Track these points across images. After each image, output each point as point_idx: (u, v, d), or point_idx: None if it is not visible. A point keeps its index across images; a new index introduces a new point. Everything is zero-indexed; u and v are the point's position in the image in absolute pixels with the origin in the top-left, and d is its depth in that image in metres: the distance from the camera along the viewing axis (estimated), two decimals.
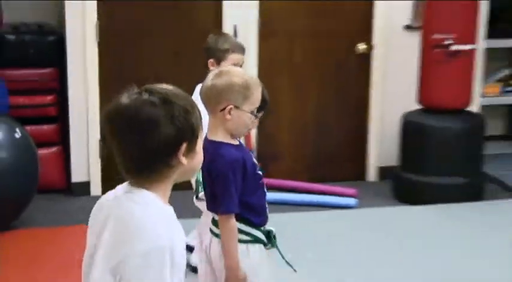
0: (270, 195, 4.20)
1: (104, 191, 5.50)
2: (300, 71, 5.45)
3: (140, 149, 1.96)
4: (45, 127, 5.89)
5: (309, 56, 5.98)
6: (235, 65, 4.15)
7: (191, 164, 2.03)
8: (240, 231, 3.07)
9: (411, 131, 6.04)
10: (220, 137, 3.02)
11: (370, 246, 5.00)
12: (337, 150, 6.34)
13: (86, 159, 5.96)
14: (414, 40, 6.10)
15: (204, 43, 4.51)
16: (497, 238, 5.39)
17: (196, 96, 3.93)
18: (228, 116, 2.98)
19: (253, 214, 3.10)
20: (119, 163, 2.00)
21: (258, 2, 6.01)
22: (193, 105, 2.02)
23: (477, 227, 5.60)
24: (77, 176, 5.99)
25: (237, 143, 3.08)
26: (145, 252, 1.90)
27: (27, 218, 5.27)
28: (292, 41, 6.03)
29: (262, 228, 3.16)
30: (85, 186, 5.99)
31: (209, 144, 2.94)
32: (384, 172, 6.45)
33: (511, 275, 4.97)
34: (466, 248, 5.18)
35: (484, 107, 6.68)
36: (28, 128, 5.29)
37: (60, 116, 5.93)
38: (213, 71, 3.13)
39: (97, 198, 5.89)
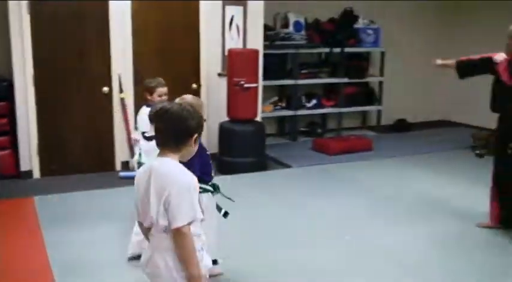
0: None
1: (41, 175, 5.68)
2: None
3: (175, 131, 2.20)
4: (2, 138, 5.84)
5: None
6: (161, 94, 4.39)
7: (193, 148, 2.27)
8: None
9: (225, 132, 6.28)
10: None
11: None
12: None
13: (28, 156, 5.91)
14: (223, 81, 6.43)
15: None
16: (275, 190, 5.68)
17: (140, 112, 4.36)
18: None
19: (205, 176, 3.26)
20: (158, 140, 2.23)
21: (132, 59, 6.10)
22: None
23: (264, 184, 5.88)
24: (23, 167, 5.93)
25: None
26: (179, 183, 2.14)
27: None
28: None
29: (210, 183, 3.34)
30: (29, 173, 5.94)
31: None
32: (212, 156, 6.45)
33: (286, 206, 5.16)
34: (261, 198, 5.37)
35: (264, 118, 7.14)
36: None
37: (11, 131, 5.91)
38: (177, 99, 3.28)
39: (38, 180, 6.16)
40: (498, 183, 4.53)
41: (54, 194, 5.37)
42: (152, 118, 2.25)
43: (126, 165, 6.20)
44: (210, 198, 3.36)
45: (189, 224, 2.13)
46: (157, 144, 2.24)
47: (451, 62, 4.79)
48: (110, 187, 5.55)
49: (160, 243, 2.20)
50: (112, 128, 6.14)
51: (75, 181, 5.80)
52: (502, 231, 4.50)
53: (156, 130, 2.23)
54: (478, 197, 4.90)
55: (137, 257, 3.65)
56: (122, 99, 6.06)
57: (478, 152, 7.10)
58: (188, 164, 2.93)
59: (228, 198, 3.42)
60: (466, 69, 4.69)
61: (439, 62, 4.86)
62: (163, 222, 2.15)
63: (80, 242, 4.25)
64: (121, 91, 6.05)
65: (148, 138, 3.81)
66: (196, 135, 2.24)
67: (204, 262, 2.26)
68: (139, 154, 4.04)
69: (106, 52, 5.98)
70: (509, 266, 3.95)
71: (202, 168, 3.20)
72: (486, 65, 4.48)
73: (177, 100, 3.29)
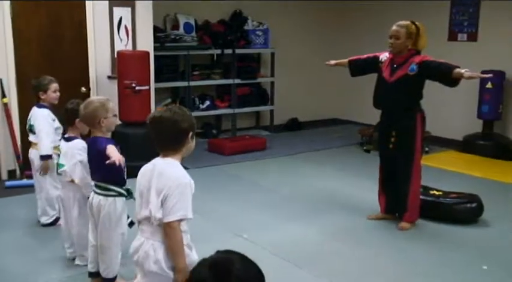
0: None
1: None
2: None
3: (171, 134, 2.42)
4: None
5: None
6: (55, 90, 4.47)
7: (192, 144, 2.50)
8: (111, 189, 3.24)
9: (118, 135, 5.71)
10: (99, 134, 3.23)
11: None
12: None
13: None
14: (114, 84, 6.32)
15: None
16: None
17: (33, 114, 4.47)
18: (103, 124, 3.21)
19: (119, 177, 3.24)
20: (157, 145, 2.46)
21: (14, 62, 5.82)
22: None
23: None
24: None
25: (109, 136, 3.29)
26: (179, 183, 2.36)
27: None
28: None
29: (124, 187, 3.29)
30: None
31: (93, 139, 3.26)
32: None
33: None
34: None
35: None
36: None
37: None
38: (82, 104, 3.30)
39: None
40: (382, 174, 4.82)
41: None
42: (148, 127, 2.46)
43: (13, 174, 5.90)
44: (123, 202, 3.32)
45: (180, 220, 2.36)
46: (158, 148, 2.47)
47: (344, 61, 5.04)
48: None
49: (153, 235, 2.44)
50: None
51: None
52: (389, 220, 4.79)
53: (154, 136, 2.44)
54: (368, 190, 5.16)
55: None
56: (6, 105, 5.77)
57: (365, 147, 7.50)
58: (101, 164, 3.07)
59: None
60: (357, 67, 4.96)
61: (332, 62, 5.09)
62: (159, 215, 2.37)
63: None
64: (3, 96, 5.76)
65: (68, 139, 3.83)
66: (191, 133, 2.45)
67: (190, 257, 2.45)
68: (58, 155, 3.96)
69: None
70: (398, 255, 4.20)
71: (117, 169, 3.15)
72: (373, 64, 4.75)
73: (82, 106, 3.25)
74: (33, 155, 4.54)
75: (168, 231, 2.36)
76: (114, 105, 3.34)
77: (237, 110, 8.34)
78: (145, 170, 2.50)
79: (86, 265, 3.68)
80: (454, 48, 7.66)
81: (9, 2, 5.72)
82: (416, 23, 4.51)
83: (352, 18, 9.32)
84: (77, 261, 3.89)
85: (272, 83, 8.76)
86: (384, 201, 4.85)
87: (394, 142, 4.60)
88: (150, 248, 2.43)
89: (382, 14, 8.51)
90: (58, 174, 3.92)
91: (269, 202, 5.31)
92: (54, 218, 4.61)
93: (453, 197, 4.87)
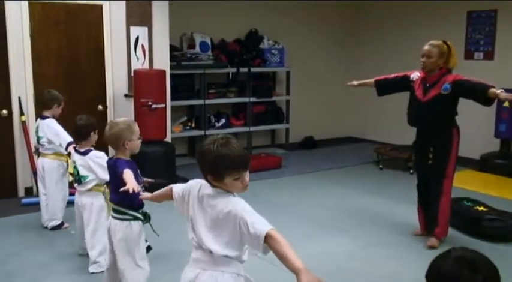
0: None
1: None
2: (67, 123, 5.13)
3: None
4: None
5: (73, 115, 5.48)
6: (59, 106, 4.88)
7: None
8: (126, 213, 3.19)
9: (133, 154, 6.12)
10: (122, 156, 3.19)
11: None
12: None
13: None
14: (130, 102, 6.40)
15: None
16: None
17: (39, 126, 4.71)
18: (127, 146, 3.18)
19: (135, 201, 3.17)
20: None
21: (32, 81, 5.89)
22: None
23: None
24: None
25: (129, 159, 3.23)
26: (241, 207, 2.33)
27: None
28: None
29: (141, 211, 3.25)
30: None
31: (115, 160, 3.21)
32: None
33: None
34: (172, 220, 5.31)
35: (173, 139, 7.17)
36: None
37: None
38: (108, 125, 3.25)
39: None
40: (420, 192, 4.77)
41: None
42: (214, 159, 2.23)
43: (29, 192, 5.95)
44: (140, 226, 3.26)
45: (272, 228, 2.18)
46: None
47: (369, 81, 5.02)
48: (11, 214, 5.26)
49: (215, 264, 2.25)
50: (13, 153, 5.87)
51: None
52: (407, 239, 4.72)
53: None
54: (383, 208, 5.12)
55: None
56: (23, 123, 5.83)
57: (381, 166, 7.45)
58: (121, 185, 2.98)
59: (154, 231, 3.31)
60: (384, 87, 4.93)
61: (355, 82, 5.05)
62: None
63: None
64: (22, 114, 5.82)
65: (84, 153, 4.01)
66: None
67: None
68: (75, 167, 4.07)
69: (5, 74, 5.74)
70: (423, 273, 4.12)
71: (133, 193, 3.06)
72: (404, 83, 4.73)
73: (107, 127, 3.23)
74: (44, 162, 4.81)
75: (271, 242, 2.22)
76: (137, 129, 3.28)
77: (252, 128, 8.36)
78: (199, 196, 2.32)
79: (101, 272, 3.66)
80: (471, 67, 7.56)
81: (28, 23, 5.81)
82: (448, 42, 4.52)
83: (367, 36, 9.31)
84: (92, 269, 3.95)
85: (287, 101, 8.79)
86: (423, 218, 4.79)
87: (432, 158, 4.57)
88: (209, 278, 2.25)
89: (398, 32, 8.52)
90: (81, 184, 4.01)
91: (283, 220, 5.19)
92: (60, 221, 4.85)
93: (497, 214, 4.82)
